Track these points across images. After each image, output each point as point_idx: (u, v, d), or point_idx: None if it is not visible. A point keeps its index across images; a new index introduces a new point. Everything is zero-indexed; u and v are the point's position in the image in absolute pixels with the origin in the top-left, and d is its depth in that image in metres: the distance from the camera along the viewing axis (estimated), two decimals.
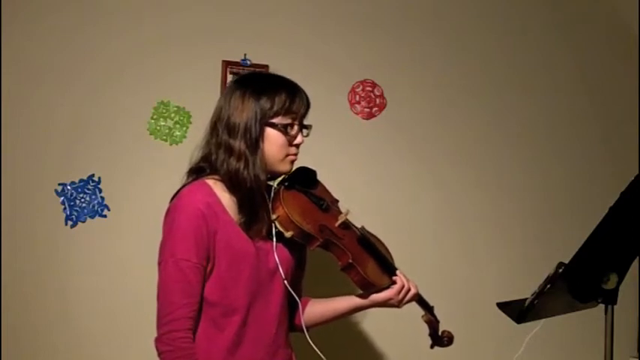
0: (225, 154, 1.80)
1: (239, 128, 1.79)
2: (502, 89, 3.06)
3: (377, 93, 2.90)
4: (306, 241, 1.85)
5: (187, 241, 1.73)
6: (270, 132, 1.81)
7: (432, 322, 2.05)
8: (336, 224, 1.91)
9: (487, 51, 3.04)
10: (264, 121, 1.80)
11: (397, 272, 1.95)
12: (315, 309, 1.99)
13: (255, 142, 1.79)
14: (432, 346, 2.08)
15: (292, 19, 2.81)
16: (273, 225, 1.83)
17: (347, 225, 1.94)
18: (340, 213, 1.94)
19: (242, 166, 1.78)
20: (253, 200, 1.80)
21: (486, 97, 3.04)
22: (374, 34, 2.91)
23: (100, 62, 2.62)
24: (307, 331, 1.92)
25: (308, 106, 1.87)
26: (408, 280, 1.94)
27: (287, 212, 1.81)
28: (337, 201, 2.01)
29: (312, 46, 2.82)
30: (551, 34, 3.13)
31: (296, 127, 1.84)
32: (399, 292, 1.92)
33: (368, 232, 1.99)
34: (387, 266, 1.96)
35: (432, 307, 2.06)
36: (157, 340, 1.73)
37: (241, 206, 1.81)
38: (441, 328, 2.07)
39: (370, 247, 1.95)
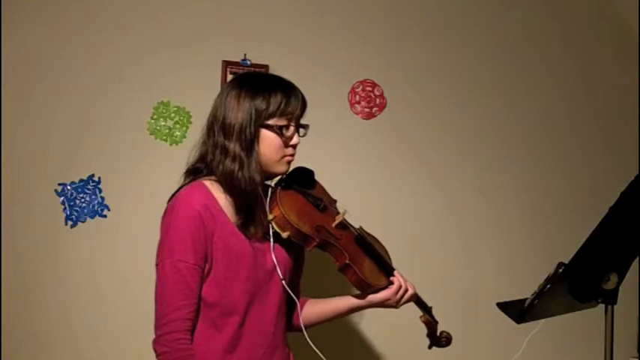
0: (221, 155, 1.80)
1: (234, 129, 1.79)
2: (502, 89, 3.06)
3: (377, 93, 2.90)
4: (303, 242, 1.85)
5: (184, 242, 1.73)
6: (265, 133, 1.80)
7: (430, 323, 2.04)
8: (333, 224, 1.90)
9: (487, 51, 3.04)
10: (259, 123, 1.79)
11: (395, 273, 1.96)
12: (313, 309, 1.99)
13: (250, 144, 1.79)
14: (430, 347, 2.08)
15: (292, 19, 2.81)
16: (270, 225, 1.83)
17: (344, 225, 1.94)
18: (338, 213, 1.94)
19: (237, 168, 1.78)
20: (249, 201, 1.80)
21: (486, 96, 3.03)
22: (374, 34, 2.91)
23: (100, 62, 2.62)
24: (305, 330, 1.92)
25: (304, 106, 1.86)
26: (405, 281, 1.95)
27: (283, 212, 1.81)
28: (335, 201, 2.01)
29: (312, 46, 2.82)
30: (552, 35, 3.12)
31: (292, 128, 1.84)
32: (397, 292, 1.92)
33: (366, 232, 1.99)
34: (384, 267, 1.96)
35: (430, 308, 2.06)
36: (155, 342, 1.73)
37: (237, 207, 1.81)
38: (441, 328, 2.07)
39: (368, 247, 1.95)
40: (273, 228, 1.83)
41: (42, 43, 2.58)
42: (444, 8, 2.99)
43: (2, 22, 2.52)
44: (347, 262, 1.85)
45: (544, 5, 3.12)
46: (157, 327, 1.73)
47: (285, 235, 1.82)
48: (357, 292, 1.93)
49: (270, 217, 1.82)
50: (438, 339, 2.06)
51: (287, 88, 1.84)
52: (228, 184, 1.79)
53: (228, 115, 1.80)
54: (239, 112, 1.79)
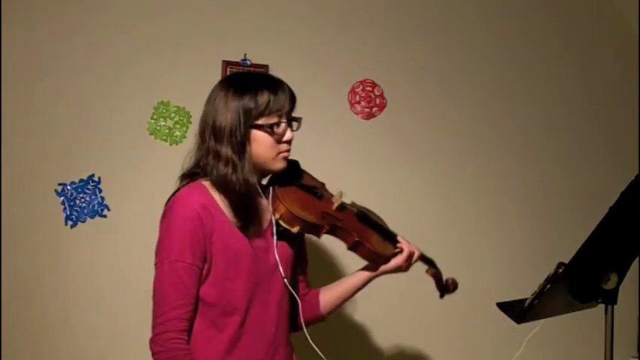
0: (214, 159, 1.79)
1: (224, 133, 1.78)
2: (502, 89, 3.06)
3: (377, 93, 2.90)
4: (313, 232, 1.88)
5: (183, 242, 1.74)
6: (256, 133, 1.80)
7: (437, 274, 2.13)
8: (334, 207, 1.93)
9: (487, 51, 3.04)
10: (249, 124, 1.78)
11: (398, 238, 2.02)
12: (330, 295, 2.02)
13: (241, 146, 1.78)
14: (441, 297, 2.15)
15: (292, 19, 2.81)
16: (275, 224, 1.84)
17: (343, 206, 1.97)
18: (332, 196, 1.97)
19: (230, 171, 1.77)
20: (246, 203, 1.80)
21: (486, 96, 3.03)
22: (374, 34, 2.91)
23: (100, 62, 2.62)
24: (324, 319, 2.00)
25: (293, 100, 1.85)
26: (410, 244, 2.02)
27: (288, 208, 1.82)
28: (324, 184, 2.03)
29: (312, 46, 2.82)
30: (552, 35, 3.12)
31: (283, 125, 1.82)
32: (407, 259, 1.99)
33: (360, 206, 2.04)
34: (388, 235, 2.02)
35: (434, 261, 2.13)
36: (151, 341, 1.74)
37: (234, 209, 1.81)
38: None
39: (369, 221, 2.00)
40: (280, 226, 1.84)
41: (42, 43, 2.58)
42: (444, 8, 2.99)
43: (2, 22, 2.52)
44: (356, 239, 1.90)
45: (544, 5, 3.12)
46: (154, 326, 1.74)
47: (295, 230, 1.84)
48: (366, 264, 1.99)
49: (276, 216, 1.83)
50: (446, 286, 2.14)
51: (273, 85, 1.82)
52: (224, 188, 1.79)
53: (217, 119, 1.80)
54: (227, 114, 1.79)
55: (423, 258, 2.09)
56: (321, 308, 2.00)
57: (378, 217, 2.08)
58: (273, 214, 1.84)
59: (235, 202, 1.80)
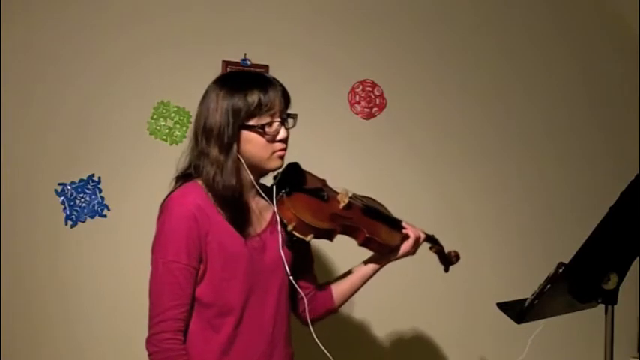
0: (204, 160, 1.79)
1: (213, 133, 1.77)
2: (502, 89, 3.06)
3: (377, 93, 2.90)
4: (327, 237, 1.88)
5: (178, 242, 1.74)
6: (248, 134, 1.78)
7: (440, 250, 2.15)
8: (341, 207, 1.92)
9: (487, 51, 3.04)
10: (239, 124, 1.77)
11: (403, 224, 2.03)
12: (342, 287, 2.03)
13: (229, 147, 1.77)
14: (446, 270, 2.18)
15: (292, 19, 2.81)
16: (288, 235, 1.83)
17: (349, 204, 1.96)
18: (337, 194, 1.96)
19: (215, 172, 1.77)
20: (235, 203, 1.79)
21: (486, 96, 3.03)
22: (374, 34, 2.91)
23: (100, 62, 2.62)
24: (337, 311, 2.01)
25: (286, 97, 1.82)
26: (414, 229, 2.03)
27: (300, 218, 1.81)
28: (325, 181, 2.02)
29: (312, 46, 2.82)
30: (552, 36, 3.12)
31: (275, 124, 1.79)
32: (414, 245, 2.01)
33: (362, 197, 2.03)
34: (394, 223, 2.02)
35: (436, 238, 2.14)
36: (147, 341, 1.75)
37: (225, 209, 1.79)
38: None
39: (375, 213, 1.99)
40: (294, 236, 1.83)
41: (42, 43, 2.58)
42: (443, 8, 2.99)
43: (2, 22, 2.52)
44: (367, 235, 1.90)
45: (544, 5, 3.12)
46: (149, 327, 1.75)
47: (309, 238, 1.83)
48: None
49: (289, 227, 1.82)
50: (450, 260, 2.17)
51: (263, 85, 1.79)
52: (211, 189, 1.79)
53: (208, 120, 1.79)
54: (217, 115, 1.77)
55: (428, 238, 2.11)
56: (335, 301, 2.01)
57: (381, 205, 2.08)
58: (285, 226, 1.83)
59: (224, 202, 1.79)
